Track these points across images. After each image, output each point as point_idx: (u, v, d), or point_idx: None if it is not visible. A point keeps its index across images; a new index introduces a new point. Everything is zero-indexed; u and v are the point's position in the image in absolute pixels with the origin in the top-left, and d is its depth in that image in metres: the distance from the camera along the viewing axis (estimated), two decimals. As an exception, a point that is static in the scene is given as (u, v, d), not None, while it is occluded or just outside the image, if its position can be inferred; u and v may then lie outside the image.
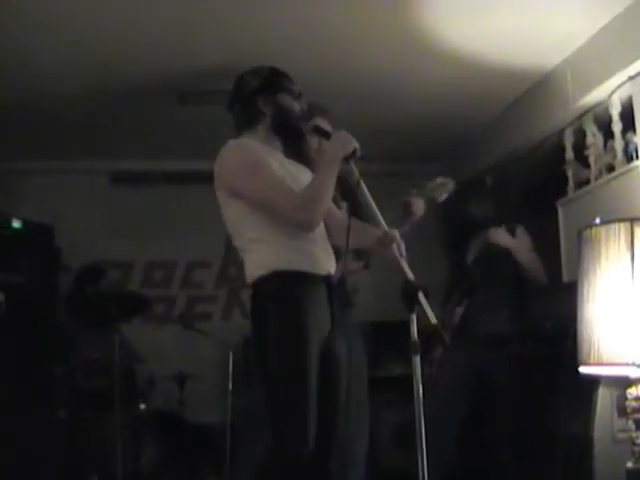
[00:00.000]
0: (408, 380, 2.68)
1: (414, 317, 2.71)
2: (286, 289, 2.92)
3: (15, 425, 4.63)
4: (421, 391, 2.66)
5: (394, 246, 2.96)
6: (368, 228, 3.15)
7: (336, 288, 3.07)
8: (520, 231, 4.77)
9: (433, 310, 2.74)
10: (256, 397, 3.21)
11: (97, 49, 4.49)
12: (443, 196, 3.73)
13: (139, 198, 6.78)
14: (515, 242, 4.67)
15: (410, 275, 2.83)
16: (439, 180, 3.73)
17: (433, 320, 2.78)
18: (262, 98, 3.16)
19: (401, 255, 2.95)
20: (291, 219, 2.93)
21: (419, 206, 3.61)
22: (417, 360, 2.67)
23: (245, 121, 3.18)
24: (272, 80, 3.20)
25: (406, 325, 2.71)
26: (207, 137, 5.77)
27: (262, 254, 2.97)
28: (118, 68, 4.76)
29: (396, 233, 3.00)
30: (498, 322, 4.53)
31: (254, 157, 2.99)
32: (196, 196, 5.35)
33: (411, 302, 2.71)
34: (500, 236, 4.67)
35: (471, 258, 4.82)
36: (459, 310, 4.66)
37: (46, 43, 4.38)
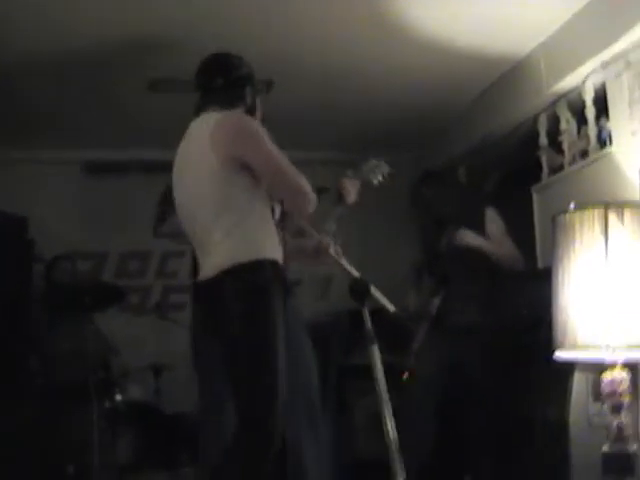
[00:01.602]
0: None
1: (366, 310, 2.75)
2: (267, 279, 2.90)
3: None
4: (383, 379, 2.68)
5: (331, 251, 2.99)
6: (301, 242, 3.19)
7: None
8: (490, 215, 4.72)
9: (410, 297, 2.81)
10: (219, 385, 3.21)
11: (69, 33, 4.44)
12: (378, 177, 3.70)
13: (112, 188, 6.72)
14: (482, 240, 4.62)
15: (355, 273, 2.89)
16: (373, 162, 3.71)
17: (392, 309, 2.83)
18: (249, 88, 3.22)
19: (339, 256, 2.99)
20: (300, 193, 2.94)
21: (351, 189, 3.55)
22: (375, 350, 2.71)
23: (227, 100, 3.16)
24: (254, 79, 3.26)
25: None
26: (181, 126, 5.75)
27: (247, 239, 2.92)
28: (90, 54, 4.70)
29: (329, 240, 3.04)
30: (474, 310, 4.53)
31: (261, 129, 2.99)
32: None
33: (362, 298, 2.75)
34: (467, 238, 4.62)
35: (444, 247, 4.80)
36: (436, 301, 4.66)
37: (14, 27, 4.32)
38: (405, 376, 4.53)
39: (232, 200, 2.92)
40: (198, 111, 3.17)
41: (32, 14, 4.15)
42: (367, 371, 2.81)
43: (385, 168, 3.72)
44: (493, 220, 4.70)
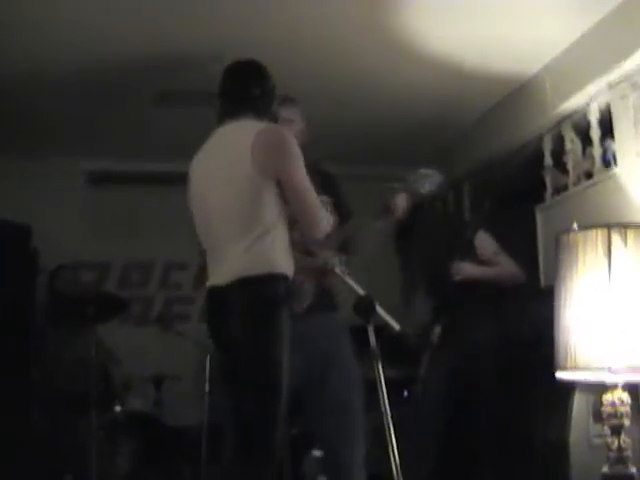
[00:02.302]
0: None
1: (372, 327, 2.78)
2: (282, 294, 2.91)
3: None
4: (386, 395, 2.70)
5: (337, 270, 3.02)
6: (307, 260, 3.21)
7: None
8: (481, 238, 4.68)
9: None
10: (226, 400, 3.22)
11: (74, 47, 4.47)
12: (428, 187, 3.63)
13: (116, 198, 6.73)
14: (479, 270, 4.60)
15: (360, 291, 2.91)
16: (422, 171, 3.65)
17: (396, 327, 2.86)
18: (275, 102, 3.23)
19: (345, 275, 3.02)
20: (315, 221, 2.99)
21: (399, 204, 3.52)
22: (379, 366, 2.73)
23: (261, 109, 3.15)
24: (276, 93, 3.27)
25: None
26: (184, 138, 5.76)
27: (265, 253, 2.92)
28: (97, 66, 4.73)
29: (335, 260, 3.06)
30: (475, 331, 4.52)
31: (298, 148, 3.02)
32: (174, 197, 5.28)
33: (366, 315, 2.79)
34: (464, 271, 4.60)
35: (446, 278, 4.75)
36: (437, 329, 4.63)
37: (20, 40, 4.34)
38: (406, 394, 4.54)
39: (261, 213, 2.92)
40: (226, 117, 3.15)
41: (37, 28, 4.18)
42: (371, 385, 2.84)
43: (436, 177, 3.65)
44: (483, 241, 4.66)
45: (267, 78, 3.22)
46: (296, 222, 3.06)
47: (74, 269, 5.80)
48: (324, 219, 3.01)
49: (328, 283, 3.26)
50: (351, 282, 2.98)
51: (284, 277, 2.93)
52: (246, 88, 3.17)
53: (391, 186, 3.59)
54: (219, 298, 2.97)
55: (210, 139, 3.18)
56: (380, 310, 2.82)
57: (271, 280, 2.89)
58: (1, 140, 5.95)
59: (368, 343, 2.87)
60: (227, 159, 3.02)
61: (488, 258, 4.61)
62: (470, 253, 4.62)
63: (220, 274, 2.97)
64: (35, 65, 4.67)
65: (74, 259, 6.07)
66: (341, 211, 3.48)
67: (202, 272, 3.25)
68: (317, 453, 4.73)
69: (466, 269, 4.58)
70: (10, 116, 5.46)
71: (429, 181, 3.64)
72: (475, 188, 5.70)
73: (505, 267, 4.61)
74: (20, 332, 5.18)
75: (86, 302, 4.94)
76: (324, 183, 3.43)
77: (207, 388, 5.26)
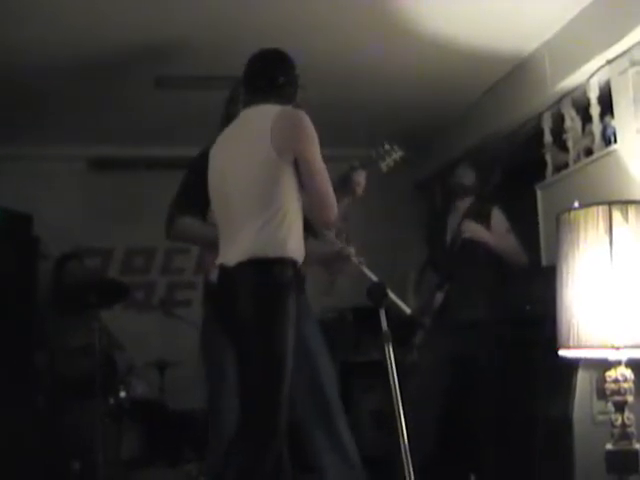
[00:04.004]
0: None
1: (383, 311, 2.82)
2: (287, 278, 2.94)
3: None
4: (396, 377, 2.72)
5: (354, 259, 3.06)
6: (319, 247, 3.24)
7: None
8: (496, 213, 4.79)
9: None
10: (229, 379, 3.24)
11: (75, 29, 4.44)
12: (390, 164, 3.65)
13: (117, 184, 6.73)
14: (488, 234, 4.67)
15: (374, 278, 2.96)
16: (384, 148, 3.66)
17: (407, 311, 2.90)
18: (299, 92, 3.29)
19: (361, 263, 3.05)
20: (327, 205, 3.00)
21: (357, 180, 3.53)
22: (390, 348, 2.76)
23: (285, 96, 3.21)
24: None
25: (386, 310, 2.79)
26: (186, 123, 5.77)
27: (277, 236, 2.95)
28: (95, 51, 4.72)
29: (351, 249, 3.08)
30: (477, 306, 4.55)
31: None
32: (175, 182, 5.32)
33: (380, 301, 2.84)
34: (473, 230, 4.67)
35: (449, 242, 4.82)
36: (439, 295, 4.68)
37: (21, 26, 4.33)
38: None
39: (278, 194, 2.96)
40: (249, 103, 3.21)
41: (37, 13, 4.17)
42: (371, 368, 2.87)
43: (397, 153, 3.67)
44: (498, 219, 4.78)
45: (292, 66, 3.29)
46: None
47: (80, 258, 5.80)
48: (334, 210, 3.02)
49: (342, 270, 3.31)
50: (366, 270, 3.03)
51: (293, 262, 2.97)
52: (270, 76, 3.22)
53: (352, 164, 3.58)
54: (227, 277, 2.99)
55: (232, 123, 3.24)
56: (392, 295, 2.87)
57: (282, 264, 2.93)
58: (2, 127, 5.94)
59: (373, 324, 2.91)
60: (247, 140, 3.07)
61: (500, 234, 4.65)
62: (483, 225, 4.72)
63: (231, 253, 2.99)
64: (36, 51, 4.66)
65: (76, 245, 6.07)
66: None
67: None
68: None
69: (475, 228, 4.64)
70: (11, 102, 5.45)
71: (390, 157, 3.65)
72: (475, 167, 5.67)
73: (512, 246, 4.67)
74: (22, 319, 5.18)
75: (89, 288, 4.95)
76: None
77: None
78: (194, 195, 3.48)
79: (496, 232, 4.70)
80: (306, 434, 3.57)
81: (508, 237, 4.71)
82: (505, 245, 4.67)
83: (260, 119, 3.06)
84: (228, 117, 3.45)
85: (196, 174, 3.44)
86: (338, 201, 3.06)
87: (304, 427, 3.58)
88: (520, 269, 4.69)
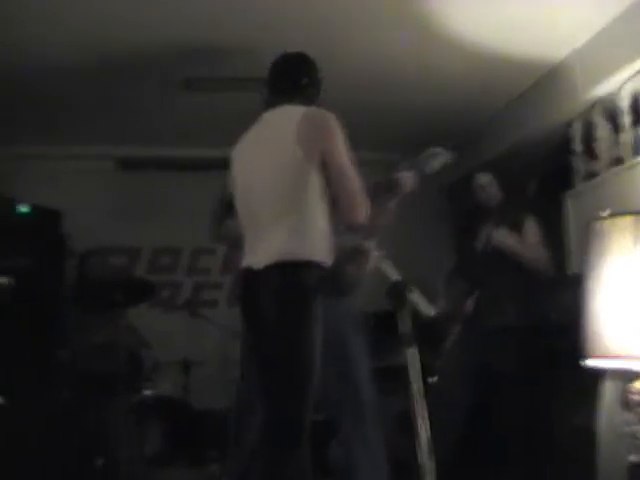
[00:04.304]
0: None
1: (404, 313, 2.76)
2: (315, 281, 2.90)
3: (21, 409, 4.64)
4: (419, 381, 2.69)
5: (374, 254, 3.00)
6: (341, 242, 3.20)
7: None
8: (529, 222, 4.73)
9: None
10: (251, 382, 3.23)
11: (104, 32, 4.48)
12: (436, 166, 3.58)
13: (146, 184, 6.78)
14: (518, 243, 4.63)
15: (396, 276, 2.88)
16: (432, 150, 3.60)
17: (430, 313, 2.83)
18: (319, 95, 3.29)
19: (381, 258, 3.00)
20: (357, 204, 2.95)
21: (406, 181, 3.46)
22: (411, 352, 2.72)
23: (309, 97, 3.22)
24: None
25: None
26: (215, 124, 5.79)
27: (307, 238, 2.93)
28: (126, 52, 4.75)
29: (371, 242, 3.04)
30: (506, 313, 4.52)
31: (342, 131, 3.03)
32: (202, 183, 5.35)
33: (400, 302, 2.77)
34: (503, 238, 4.63)
35: (480, 248, 4.79)
36: (470, 302, 4.65)
37: (53, 24, 4.37)
38: (431, 381, 4.54)
39: (304, 196, 2.94)
40: (273, 105, 3.20)
41: (73, 11, 4.20)
42: (393, 373, 2.83)
43: (445, 156, 3.60)
44: (532, 229, 4.70)
45: (315, 69, 3.29)
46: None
47: (104, 254, 5.84)
48: (364, 204, 2.97)
49: (361, 265, 3.23)
50: (386, 266, 2.96)
51: (321, 265, 2.93)
52: (294, 78, 3.24)
53: (397, 165, 3.54)
54: (254, 280, 2.98)
55: (255, 124, 3.22)
56: (414, 295, 2.81)
57: (309, 267, 2.90)
58: (34, 127, 6.01)
59: (395, 328, 2.86)
60: (273, 141, 3.05)
61: (531, 244, 4.63)
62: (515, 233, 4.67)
63: (258, 255, 2.98)
64: (67, 53, 4.71)
65: (104, 244, 6.12)
66: None
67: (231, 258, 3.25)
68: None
69: (507, 236, 4.60)
70: (42, 103, 5.51)
71: (437, 160, 3.58)
72: (505, 174, 5.66)
73: (541, 257, 4.62)
74: (49, 315, 5.22)
75: (115, 287, 4.98)
76: None
77: (236, 373, 5.29)
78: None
79: (528, 242, 4.66)
80: (338, 431, 3.55)
81: (539, 248, 4.66)
82: (535, 256, 4.62)
83: (285, 120, 3.05)
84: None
85: None
86: (384, 204, 3.04)
87: (337, 423, 3.55)
88: (547, 277, 4.66)
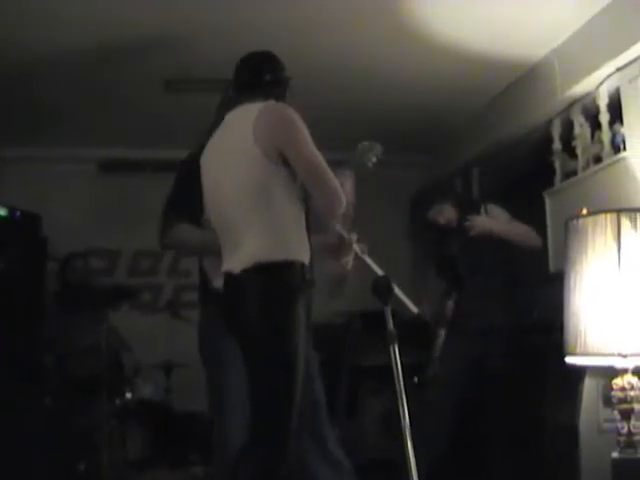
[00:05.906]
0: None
1: (389, 309, 2.75)
2: (295, 282, 2.85)
3: (1, 412, 4.61)
4: (402, 379, 2.68)
5: (355, 248, 2.97)
6: (322, 239, 3.17)
7: None
8: (491, 208, 4.75)
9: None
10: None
11: (85, 32, 4.45)
12: (372, 160, 3.52)
13: (127, 186, 6.75)
14: (495, 222, 4.64)
15: (379, 271, 2.87)
16: (365, 144, 3.54)
17: (415, 310, 2.83)
18: (287, 92, 3.19)
19: (364, 253, 2.96)
20: (332, 194, 2.87)
21: (348, 186, 3.35)
22: (395, 349, 2.71)
23: (271, 95, 3.09)
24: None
25: (394, 314, 2.75)
26: (196, 126, 5.75)
27: (280, 238, 2.87)
28: (106, 53, 4.73)
29: (354, 236, 3.01)
30: (486, 313, 4.53)
31: (303, 123, 2.93)
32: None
33: (385, 296, 2.75)
34: (479, 223, 4.64)
35: (454, 249, 4.79)
36: (450, 303, 4.66)
37: (31, 26, 4.34)
38: (416, 380, 4.54)
39: (271, 195, 2.86)
40: (235, 104, 3.10)
41: (48, 14, 4.17)
42: (379, 372, 2.82)
43: (378, 149, 3.53)
44: (497, 210, 4.74)
45: (279, 67, 3.21)
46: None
47: (84, 257, 5.82)
48: (341, 195, 2.89)
49: (348, 257, 3.19)
50: (369, 261, 2.94)
51: (300, 264, 2.89)
52: (257, 75, 3.16)
53: (338, 171, 3.50)
54: (234, 284, 2.93)
55: (219, 127, 3.13)
56: (398, 292, 2.79)
57: (288, 267, 2.85)
58: (12, 128, 5.96)
59: (380, 328, 2.84)
60: (233, 143, 2.97)
61: (504, 223, 4.67)
62: None
63: (234, 260, 2.92)
64: (45, 52, 4.68)
65: (84, 247, 6.09)
66: None
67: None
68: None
69: (481, 221, 4.60)
70: (20, 104, 5.48)
71: (373, 153, 3.52)
72: (484, 173, 5.68)
73: (522, 229, 4.62)
74: (31, 319, 5.19)
75: (96, 290, 4.97)
76: None
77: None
78: (187, 200, 3.37)
79: (500, 222, 4.68)
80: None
81: (518, 224, 4.67)
82: (515, 230, 4.62)
83: (243, 120, 2.96)
84: (217, 121, 3.37)
85: (186, 178, 3.38)
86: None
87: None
88: (539, 249, 4.63)
